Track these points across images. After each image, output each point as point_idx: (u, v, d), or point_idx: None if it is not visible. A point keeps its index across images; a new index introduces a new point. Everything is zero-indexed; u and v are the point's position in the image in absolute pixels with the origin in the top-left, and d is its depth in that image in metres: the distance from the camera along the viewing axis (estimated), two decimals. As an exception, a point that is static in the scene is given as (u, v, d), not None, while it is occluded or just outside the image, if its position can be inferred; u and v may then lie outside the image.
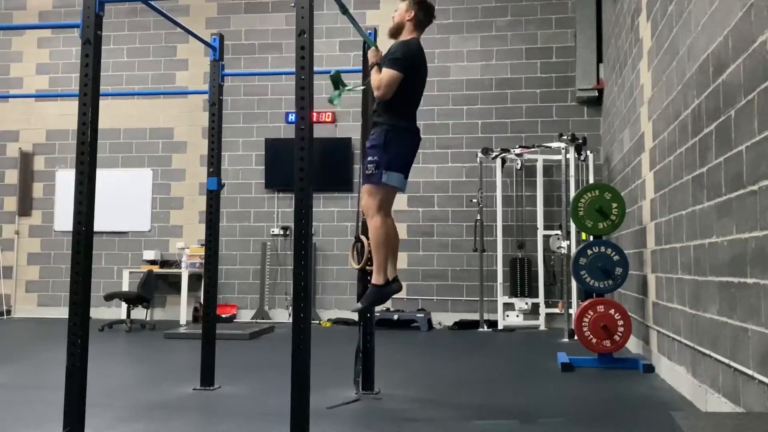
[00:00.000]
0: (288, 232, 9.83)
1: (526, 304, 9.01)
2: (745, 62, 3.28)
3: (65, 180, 10.27)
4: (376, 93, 4.08)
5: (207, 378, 4.82)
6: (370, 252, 4.31)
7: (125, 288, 9.45)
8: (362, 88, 4.59)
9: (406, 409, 4.35)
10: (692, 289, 4.33)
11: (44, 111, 10.60)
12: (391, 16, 4.32)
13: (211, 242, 4.87)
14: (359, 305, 4.24)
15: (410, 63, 4.09)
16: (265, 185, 9.97)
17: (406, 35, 4.22)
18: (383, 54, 4.21)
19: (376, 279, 4.11)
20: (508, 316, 9.03)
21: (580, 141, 8.36)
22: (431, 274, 9.54)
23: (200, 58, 10.03)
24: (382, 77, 4.03)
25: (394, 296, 4.43)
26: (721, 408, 3.71)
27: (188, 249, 9.68)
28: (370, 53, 4.29)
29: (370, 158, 4.07)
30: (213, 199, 4.89)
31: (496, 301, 9.00)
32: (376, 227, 4.06)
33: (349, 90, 4.35)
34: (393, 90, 4.03)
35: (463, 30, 9.80)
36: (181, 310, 9.45)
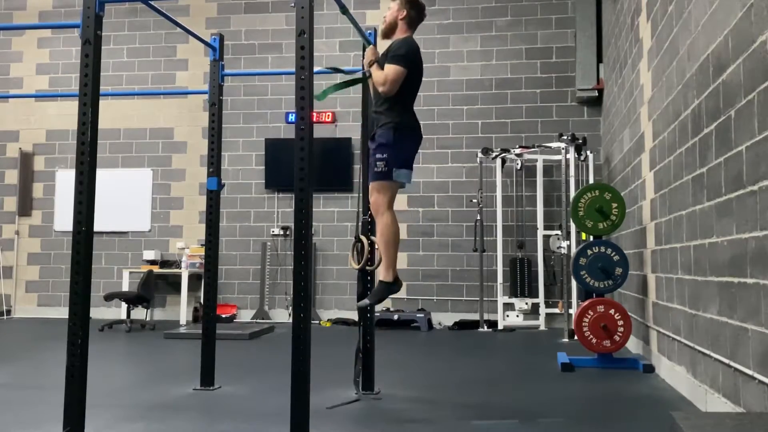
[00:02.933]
0: (288, 232, 9.83)
1: (526, 304, 9.01)
2: (745, 62, 3.28)
3: (65, 180, 10.28)
4: (381, 89, 4.10)
5: (207, 378, 4.82)
6: (370, 252, 4.32)
7: (125, 288, 9.45)
8: (360, 74, 4.58)
9: (406, 409, 4.35)
10: (692, 289, 4.33)
11: (44, 111, 10.60)
12: (383, 16, 4.35)
13: (211, 242, 4.87)
14: (366, 301, 4.24)
15: (413, 59, 4.16)
16: (265, 185, 9.97)
17: (399, 34, 4.26)
18: (381, 52, 4.24)
19: (385, 275, 4.13)
20: (508, 316, 9.03)
21: (580, 141, 8.36)
22: (431, 274, 9.54)
23: (200, 58, 10.04)
24: (387, 73, 4.06)
25: (393, 296, 4.45)
26: (721, 408, 3.71)
27: (188, 249, 9.68)
28: (368, 51, 4.33)
29: (379, 156, 4.09)
30: (213, 199, 4.89)
31: (496, 301, 9.00)
32: (386, 224, 4.09)
33: (342, 85, 4.35)
34: (398, 85, 4.07)
35: (463, 30, 9.80)
36: (181, 310, 9.45)
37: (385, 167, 4.07)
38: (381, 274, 4.17)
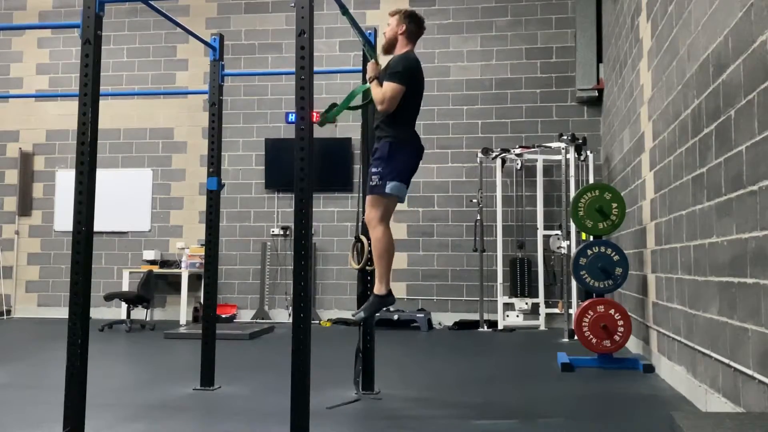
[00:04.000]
0: (288, 232, 9.83)
1: (526, 304, 9.01)
2: (745, 62, 3.28)
3: (65, 180, 10.28)
4: (379, 107, 4.12)
5: (207, 378, 4.82)
6: (370, 252, 4.32)
7: (125, 288, 9.45)
8: (363, 103, 4.56)
9: (406, 409, 4.35)
10: (692, 289, 4.33)
11: (44, 111, 10.60)
12: (383, 32, 4.36)
13: (211, 242, 4.87)
14: (361, 314, 4.23)
15: (410, 75, 4.14)
16: (265, 185, 9.97)
17: (400, 49, 4.27)
18: (382, 67, 4.24)
19: (378, 289, 4.15)
20: (508, 316, 9.03)
21: (580, 141, 8.36)
22: (431, 274, 9.54)
23: (200, 58, 10.04)
24: (385, 91, 4.08)
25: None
26: (721, 408, 3.71)
27: (188, 249, 9.68)
28: (369, 67, 4.33)
29: (374, 170, 4.12)
30: (213, 199, 4.89)
31: (496, 301, 9.00)
32: (378, 238, 4.10)
33: (347, 106, 4.35)
34: (396, 103, 4.08)
35: (463, 30, 9.80)
36: (181, 310, 9.45)
37: (379, 180, 4.08)
38: (375, 287, 4.18)
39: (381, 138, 4.17)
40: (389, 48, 4.31)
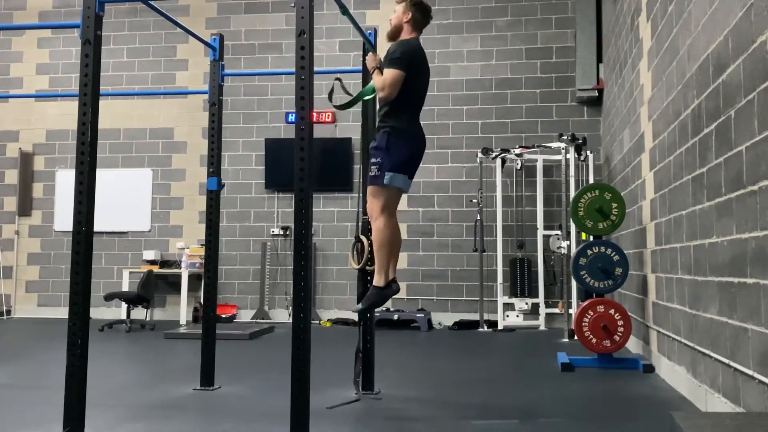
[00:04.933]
0: (288, 232, 9.83)
1: (526, 304, 9.01)
2: (745, 62, 3.28)
3: (65, 180, 10.28)
4: (380, 94, 4.09)
5: (207, 378, 4.82)
6: (370, 252, 4.31)
7: (125, 288, 9.45)
8: (370, 97, 4.59)
9: (406, 409, 4.35)
10: (692, 289, 4.33)
11: (44, 111, 10.60)
12: (389, 19, 4.33)
13: (211, 242, 4.87)
14: (360, 306, 4.24)
15: (410, 61, 4.08)
16: (265, 185, 9.97)
17: (404, 36, 4.23)
18: (382, 57, 4.22)
19: (377, 280, 4.11)
20: (508, 316, 9.03)
21: (580, 141, 8.36)
22: (431, 274, 9.54)
23: (200, 58, 10.04)
24: (385, 77, 4.04)
25: (393, 296, 4.43)
26: (721, 408, 3.71)
27: (188, 249, 9.68)
28: (369, 58, 4.30)
29: (373, 160, 4.07)
30: (213, 199, 4.89)
31: (496, 301, 9.00)
32: (379, 228, 4.07)
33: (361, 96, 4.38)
34: (397, 89, 4.02)
35: (463, 30, 9.80)
36: (181, 310, 9.45)
37: (378, 171, 4.03)
38: (374, 279, 4.16)
39: (380, 127, 4.14)
40: (394, 35, 4.25)
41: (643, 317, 6.09)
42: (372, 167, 4.07)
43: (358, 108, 4.79)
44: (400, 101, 4.08)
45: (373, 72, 4.18)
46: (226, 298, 9.87)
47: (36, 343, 7.73)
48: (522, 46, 9.67)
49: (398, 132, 4.06)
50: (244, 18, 10.32)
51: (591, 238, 6.11)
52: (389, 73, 4.03)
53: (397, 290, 4.22)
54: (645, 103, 5.97)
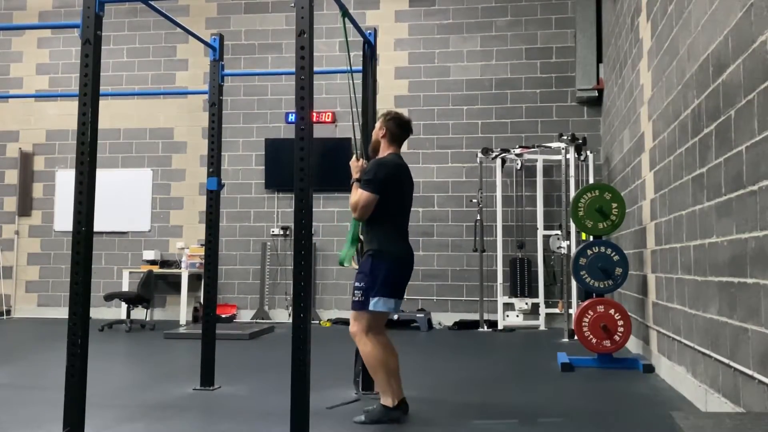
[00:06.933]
0: (288, 232, 9.83)
1: (526, 304, 9.01)
2: (745, 62, 3.28)
3: (65, 180, 10.28)
4: (353, 214, 3.93)
5: (207, 378, 4.82)
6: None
7: (125, 288, 9.45)
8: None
9: (406, 409, 4.34)
10: (692, 289, 4.33)
11: (44, 111, 10.60)
12: (372, 133, 4.19)
13: (211, 242, 4.87)
14: (362, 418, 3.90)
15: (386, 182, 3.88)
16: (265, 185, 9.97)
17: (383, 152, 4.05)
18: (365, 166, 4.01)
19: (384, 400, 3.91)
20: (508, 316, 9.03)
21: (580, 141, 8.36)
22: (431, 274, 9.53)
23: (200, 58, 10.04)
24: (357, 200, 3.86)
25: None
26: (721, 408, 3.71)
27: (188, 249, 9.68)
28: (352, 165, 4.03)
29: (356, 284, 3.88)
30: (213, 199, 4.89)
31: (496, 301, 9.00)
32: (365, 352, 3.90)
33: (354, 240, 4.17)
34: (370, 211, 3.86)
35: (463, 30, 9.79)
36: (181, 310, 9.45)
37: (362, 296, 3.84)
38: (381, 398, 3.94)
39: (365, 251, 3.96)
40: (374, 152, 4.10)
41: (643, 317, 6.09)
42: (356, 292, 3.87)
43: (357, 108, 4.79)
44: (381, 222, 3.91)
45: (353, 183, 3.97)
46: (226, 298, 9.87)
47: (36, 343, 7.72)
48: (522, 46, 9.66)
49: (382, 256, 3.87)
50: (244, 18, 10.31)
51: (591, 238, 6.11)
52: (362, 196, 3.85)
53: (406, 413, 3.94)
54: (645, 103, 5.97)
